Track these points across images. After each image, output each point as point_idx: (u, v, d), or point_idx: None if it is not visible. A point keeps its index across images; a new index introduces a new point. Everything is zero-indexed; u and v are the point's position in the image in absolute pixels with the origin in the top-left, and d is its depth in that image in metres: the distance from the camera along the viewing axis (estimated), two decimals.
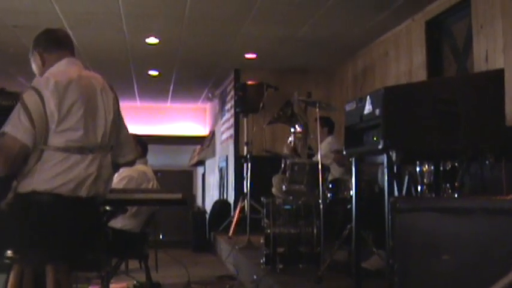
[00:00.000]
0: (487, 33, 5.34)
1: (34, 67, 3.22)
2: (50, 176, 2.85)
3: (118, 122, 3.22)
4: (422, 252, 2.70)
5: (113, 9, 6.62)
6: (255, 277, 5.41)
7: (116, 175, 5.12)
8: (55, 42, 3.16)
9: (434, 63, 6.43)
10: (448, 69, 6.28)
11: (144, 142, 5.35)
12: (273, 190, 6.46)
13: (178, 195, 3.85)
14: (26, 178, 2.87)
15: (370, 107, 3.29)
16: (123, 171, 5.08)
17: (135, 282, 5.81)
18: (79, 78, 3.03)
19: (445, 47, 6.42)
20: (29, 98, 2.86)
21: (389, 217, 2.86)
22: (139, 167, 5.14)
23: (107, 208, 3.87)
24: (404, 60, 7.05)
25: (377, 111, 3.20)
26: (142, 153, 5.21)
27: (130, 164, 3.59)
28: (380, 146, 3.14)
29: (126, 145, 3.34)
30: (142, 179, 5.15)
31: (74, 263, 3.00)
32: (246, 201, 7.98)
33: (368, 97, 3.33)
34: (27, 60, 3.26)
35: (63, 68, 3.07)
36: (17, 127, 2.82)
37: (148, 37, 7.82)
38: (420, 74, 6.54)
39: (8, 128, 2.82)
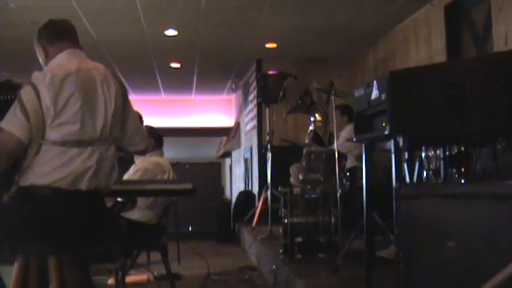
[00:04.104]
0: (506, 16, 5.22)
1: (40, 60, 3.22)
2: (48, 170, 2.85)
3: (124, 112, 3.19)
4: (428, 239, 2.64)
5: (130, 2, 6.63)
6: (273, 267, 5.39)
7: (131, 167, 5.17)
8: (57, 34, 3.15)
9: (454, 48, 6.33)
10: (468, 54, 6.17)
11: (158, 134, 5.33)
12: (291, 180, 6.42)
13: (189, 186, 3.83)
14: (25, 172, 2.88)
15: (377, 92, 3.22)
16: (138, 163, 5.08)
17: (155, 273, 5.83)
18: (78, 70, 3.00)
19: (464, 31, 6.31)
20: (25, 93, 2.87)
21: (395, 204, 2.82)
22: (154, 158, 5.13)
23: (118, 199, 3.89)
24: (424, 46, 6.94)
25: (383, 96, 3.13)
26: (157, 145, 5.19)
27: (141, 153, 3.58)
28: (386, 132, 3.08)
29: (136, 134, 3.31)
30: (157, 171, 5.14)
31: (77, 255, 2.98)
32: (268, 191, 7.95)
33: (375, 82, 3.26)
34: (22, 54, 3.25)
35: (63, 61, 3.06)
36: (13, 122, 2.83)
37: (167, 29, 7.82)
38: (440, 60, 6.43)
39: (3, 123, 2.84)
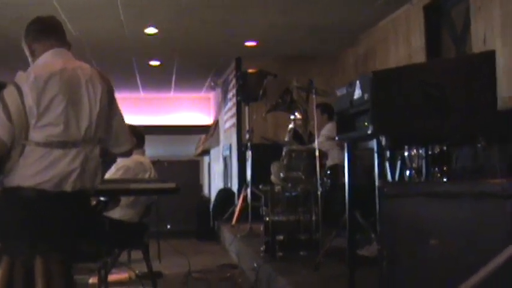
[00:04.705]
0: (485, 16, 5.28)
1: (28, 58, 3.20)
2: (32, 172, 2.83)
3: (110, 112, 3.15)
4: (411, 238, 2.69)
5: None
6: (255, 265, 5.41)
7: (113, 166, 5.16)
8: (42, 32, 3.12)
9: (434, 48, 6.39)
10: (447, 53, 6.24)
11: (140, 132, 5.32)
12: (272, 178, 6.44)
13: (172, 185, 3.83)
14: (10, 173, 2.87)
15: (360, 91, 3.26)
16: (120, 162, 5.06)
17: (136, 272, 5.82)
18: (62, 70, 2.98)
19: (443, 30, 6.38)
20: (8, 93, 2.85)
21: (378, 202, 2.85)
22: (135, 157, 5.11)
23: (102, 199, 3.88)
24: (404, 45, 7.01)
25: (366, 96, 3.17)
26: (139, 144, 5.18)
27: (126, 154, 3.54)
28: (369, 131, 3.12)
29: (121, 135, 3.27)
30: (139, 169, 5.13)
31: (64, 255, 2.98)
32: (248, 189, 7.97)
33: (357, 82, 3.30)
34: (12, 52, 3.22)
35: (48, 60, 3.04)
36: None
37: (147, 27, 7.81)
38: (419, 59, 6.49)
39: None
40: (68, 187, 2.90)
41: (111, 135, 3.20)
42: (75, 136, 2.94)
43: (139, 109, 12.99)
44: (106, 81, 3.16)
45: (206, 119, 13.92)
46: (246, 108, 8.63)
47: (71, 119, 2.93)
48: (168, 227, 11.33)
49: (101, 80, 3.12)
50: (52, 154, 2.87)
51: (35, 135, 2.86)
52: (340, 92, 3.58)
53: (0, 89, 2.91)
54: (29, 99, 2.84)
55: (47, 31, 3.14)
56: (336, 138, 3.82)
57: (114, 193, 3.93)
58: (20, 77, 2.91)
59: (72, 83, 2.98)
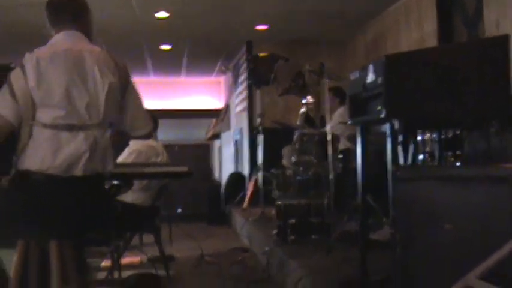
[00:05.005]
0: (498, 0, 5.25)
1: None
2: (41, 155, 2.84)
3: (124, 96, 3.10)
4: (424, 222, 2.69)
5: None
6: (266, 249, 5.44)
7: (125, 150, 5.17)
8: (52, 15, 3.10)
9: (446, 32, 6.35)
10: (459, 38, 6.20)
11: (154, 116, 5.33)
12: (283, 161, 6.46)
13: (185, 168, 3.85)
14: (21, 155, 2.87)
15: (373, 75, 3.24)
16: (132, 146, 5.08)
17: (148, 255, 5.86)
18: (66, 51, 2.96)
19: (455, 15, 6.33)
20: (14, 74, 2.87)
21: (391, 186, 2.85)
22: (148, 141, 5.14)
23: (114, 182, 3.90)
24: (416, 29, 6.97)
25: (379, 80, 3.16)
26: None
27: (145, 137, 3.49)
28: (382, 115, 3.11)
29: (138, 119, 3.22)
30: (151, 153, 5.16)
31: (77, 239, 2.99)
32: (259, 173, 7.99)
33: (370, 65, 3.28)
34: (35, 37, 3.19)
35: (54, 42, 3.04)
36: (0, 103, 2.84)
37: (158, 11, 7.80)
38: (431, 43, 6.46)
39: None
40: (77, 171, 2.88)
41: (127, 119, 3.15)
42: (82, 119, 2.91)
43: (150, 93, 12.96)
44: (119, 65, 3.11)
45: (217, 103, 13.92)
46: (257, 92, 8.62)
47: (75, 101, 2.91)
48: (179, 211, 11.39)
49: (113, 63, 3.07)
50: (59, 137, 2.87)
51: (42, 115, 2.86)
52: (353, 75, 3.57)
53: (10, 71, 2.92)
54: (31, 80, 2.84)
55: (57, 14, 3.11)
56: (348, 122, 3.82)
57: (128, 177, 3.94)
58: (26, 58, 2.91)
59: (76, 64, 2.95)
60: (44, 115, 2.87)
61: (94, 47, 3.12)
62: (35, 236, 2.91)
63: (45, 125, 2.87)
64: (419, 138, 3.02)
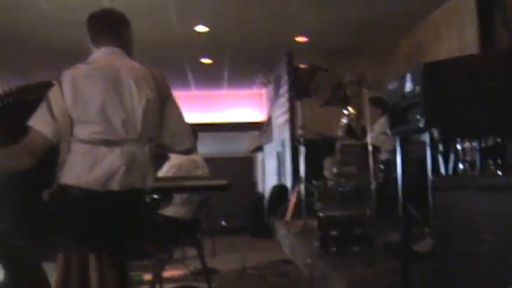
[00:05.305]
0: None
1: None
2: (78, 170, 2.85)
3: (163, 112, 3.09)
4: (464, 232, 2.64)
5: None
6: (308, 261, 5.40)
7: (165, 164, 5.22)
8: (95, 31, 3.12)
9: (487, 38, 6.25)
10: (500, 44, 6.09)
11: (194, 130, 5.36)
12: (325, 173, 6.42)
13: (224, 181, 3.84)
14: (61, 170, 2.89)
15: (411, 84, 3.21)
16: (173, 160, 5.12)
17: (191, 268, 5.87)
18: (103, 68, 2.98)
19: (497, 20, 6.22)
20: (52, 91, 2.89)
21: (431, 196, 2.80)
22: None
23: (155, 196, 3.92)
24: (456, 36, 6.88)
25: (417, 89, 3.12)
26: None
27: (187, 152, 3.47)
28: (421, 124, 3.07)
29: (179, 135, 3.20)
30: (191, 167, 5.18)
31: (117, 252, 3.01)
32: (301, 185, 7.95)
33: (408, 74, 3.25)
34: (80, 55, 3.19)
35: (94, 58, 3.06)
36: (39, 120, 2.85)
37: (197, 25, 7.86)
38: (472, 50, 6.36)
39: (31, 121, 2.85)
40: (114, 186, 2.87)
41: (167, 134, 3.14)
42: (119, 134, 2.91)
43: (192, 107, 13.07)
44: (159, 80, 3.10)
45: (259, 116, 13.94)
46: (298, 104, 8.61)
47: (110, 117, 2.90)
48: (223, 223, 11.41)
49: (152, 79, 3.06)
50: (96, 151, 2.87)
51: (79, 131, 2.88)
52: (392, 85, 3.54)
53: (49, 88, 2.96)
54: (68, 98, 2.86)
55: (97, 30, 3.12)
56: (388, 132, 3.78)
57: (167, 191, 3.96)
58: (63, 74, 2.93)
59: (113, 81, 2.95)
60: (81, 131, 2.89)
61: (134, 63, 3.11)
62: (73, 249, 2.94)
63: (82, 141, 2.88)
64: (458, 147, 2.96)
